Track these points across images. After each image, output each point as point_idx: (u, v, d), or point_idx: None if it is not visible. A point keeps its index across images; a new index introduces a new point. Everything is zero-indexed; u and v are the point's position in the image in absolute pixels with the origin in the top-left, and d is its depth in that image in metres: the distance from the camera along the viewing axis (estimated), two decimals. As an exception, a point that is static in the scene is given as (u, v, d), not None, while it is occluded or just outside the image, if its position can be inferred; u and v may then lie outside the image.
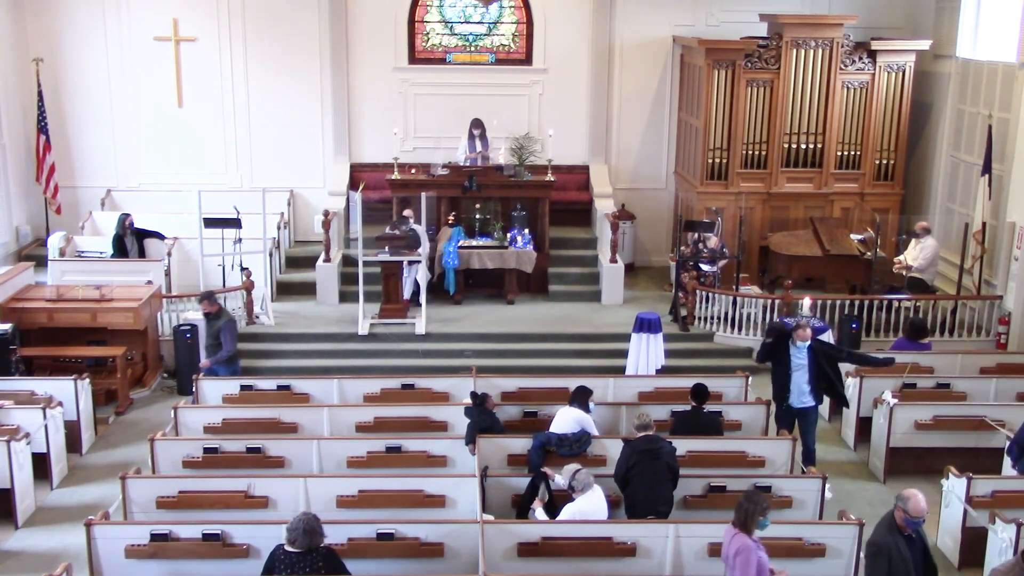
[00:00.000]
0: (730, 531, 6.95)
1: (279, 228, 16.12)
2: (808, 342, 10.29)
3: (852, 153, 15.83)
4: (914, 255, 14.49)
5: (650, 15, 17.02)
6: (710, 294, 14.29)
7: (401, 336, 13.95)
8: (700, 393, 9.86)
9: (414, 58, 17.38)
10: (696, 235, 14.79)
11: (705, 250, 14.70)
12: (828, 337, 12.69)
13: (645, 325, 12.60)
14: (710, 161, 15.72)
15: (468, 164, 15.75)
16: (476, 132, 15.99)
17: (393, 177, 15.32)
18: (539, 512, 8.33)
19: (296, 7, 16.84)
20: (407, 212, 14.67)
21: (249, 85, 17.02)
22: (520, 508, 8.69)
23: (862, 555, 7.40)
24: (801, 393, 10.34)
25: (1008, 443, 9.67)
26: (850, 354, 10.79)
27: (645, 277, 16.83)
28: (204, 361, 11.89)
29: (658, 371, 12.50)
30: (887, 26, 16.81)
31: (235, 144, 17.24)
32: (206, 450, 9.48)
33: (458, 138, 16.26)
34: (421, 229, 14.43)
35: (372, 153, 17.21)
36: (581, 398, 9.67)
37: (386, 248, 14.07)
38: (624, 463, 8.52)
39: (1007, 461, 9.70)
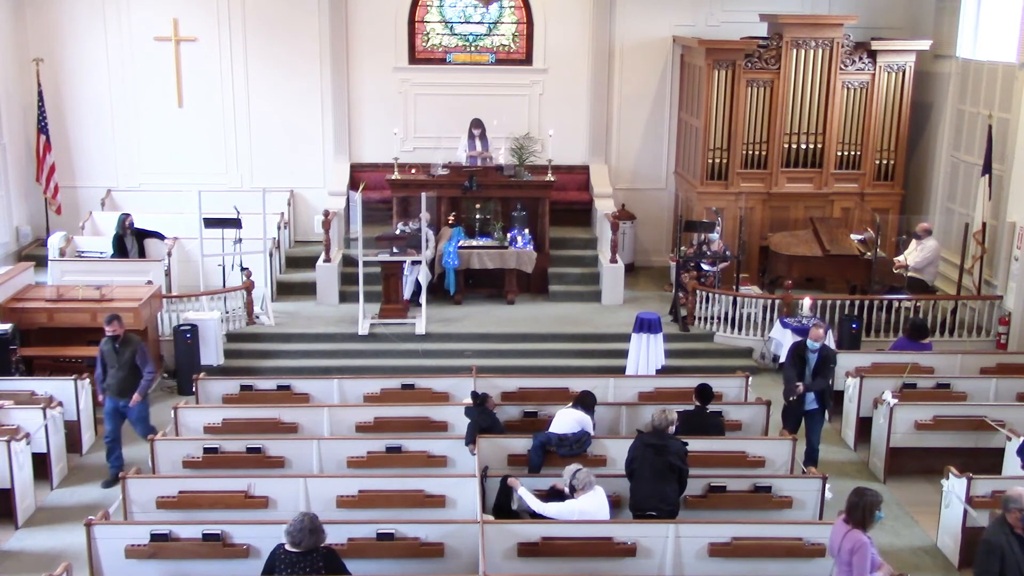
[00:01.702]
0: (841, 528, 7.00)
1: (279, 228, 16.12)
2: (819, 342, 10.33)
3: (852, 153, 15.83)
4: (914, 255, 14.50)
5: (650, 15, 17.02)
6: (710, 294, 14.29)
7: (401, 336, 13.95)
8: (705, 393, 9.87)
9: (414, 58, 17.38)
10: (701, 236, 14.79)
11: (708, 252, 14.70)
12: (828, 337, 12.69)
13: (645, 325, 12.62)
14: (710, 161, 15.72)
15: (468, 164, 15.75)
16: (476, 132, 15.99)
17: (393, 177, 15.32)
18: (523, 493, 8.28)
19: (296, 7, 16.85)
20: (424, 214, 14.62)
21: (249, 85, 17.03)
22: (496, 510, 8.65)
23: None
24: (807, 396, 10.43)
25: (1020, 444, 9.66)
26: (826, 380, 10.57)
27: (645, 277, 16.83)
28: (136, 396, 10.33)
29: (658, 371, 12.50)
30: (887, 26, 16.82)
31: (235, 144, 17.24)
32: (206, 450, 9.48)
33: (458, 138, 16.25)
34: (429, 233, 14.43)
35: (372, 153, 17.22)
36: (584, 401, 9.67)
37: (387, 248, 14.07)
38: (630, 453, 8.54)
39: (1016, 462, 9.69)
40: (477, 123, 16.00)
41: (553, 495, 8.48)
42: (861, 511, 6.89)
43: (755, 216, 15.84)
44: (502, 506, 8.59)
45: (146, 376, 10.38)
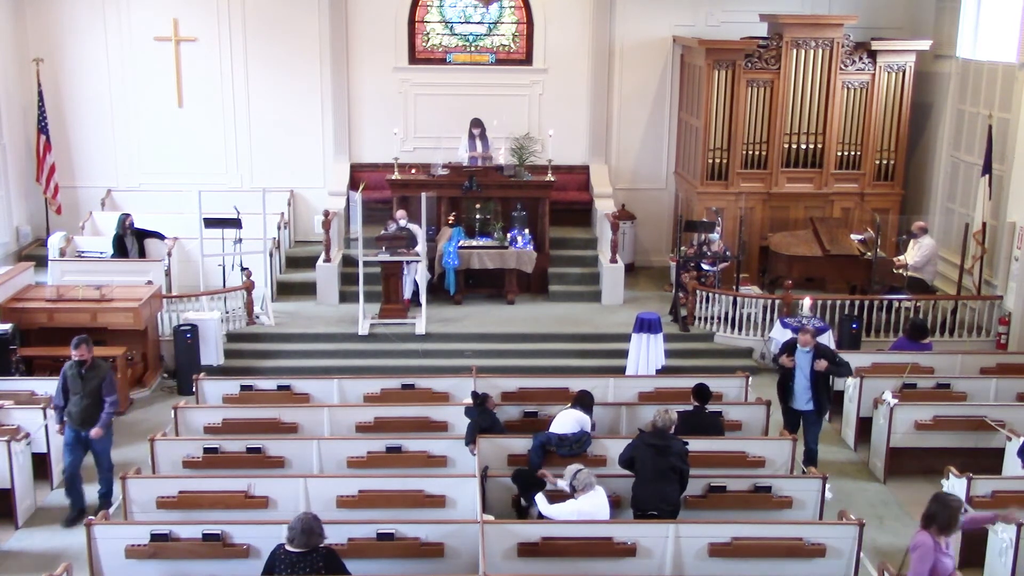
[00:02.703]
0: (918, 528, 6.98)
1: (279, 228, 16.12)
2: (808, 348, 10.35)
3: (852, 153, 15.83)
4: (912, 254, 14.53)
5: (650, 15, 17.02)
6: (710, 294, 14.29)
7: (401, 336, 13.95)
8: (702, 393, 9.88)
9: (414, 58, 17.38)
10: (701, 236, 14.79)
11: (708, 252, 14.70)
12: (828, 337, 12.71)
13: (645, 325, 12.61)
14: (710, 161, 15.71)
15: (469, 164, 15.74)
16: (476, 132, 15.97)
17: (393, 177, 15.32)
18: (540, 500, 8.30)
19: (296, 7, 16.84)
20: (399, 212, 14.66)
21: (249, 85, 17.02)
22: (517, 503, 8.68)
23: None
24: (801, 397, 10.44)
25: (1021, 444, 9.65)
26: (839, 365, 10.58)
27: (645, 277, 16.83)
28: (97, 429, 9.49)
29: (658, 371, 12.50)
30: (887, 26, 16.82)
31: (235, 144, 17.24)
32: (206, 450, 9.48)
33: (458, 138, 16.23)
34: (417, 228, 14.44)
35: (372, 153, 17.21)
36: (583, 401, 9.67)
37: (385, 248, 14.07)
38: (629, 451, 8.56)
39: (1016, 463, 9.68)
40: (477, 123, 15.99)
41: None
42: (947, 518, 6.78)
43: (755, 216, 15.83)
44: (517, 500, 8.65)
45: (107, 408, 9.56)
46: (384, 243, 14.11)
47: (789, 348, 10.62)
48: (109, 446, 9.82)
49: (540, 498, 8.33)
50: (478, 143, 15.97)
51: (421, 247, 14.28)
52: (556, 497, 8.35)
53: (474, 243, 15.15)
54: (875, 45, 15.53)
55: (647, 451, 8.39)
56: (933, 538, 6.80)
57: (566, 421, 9.45)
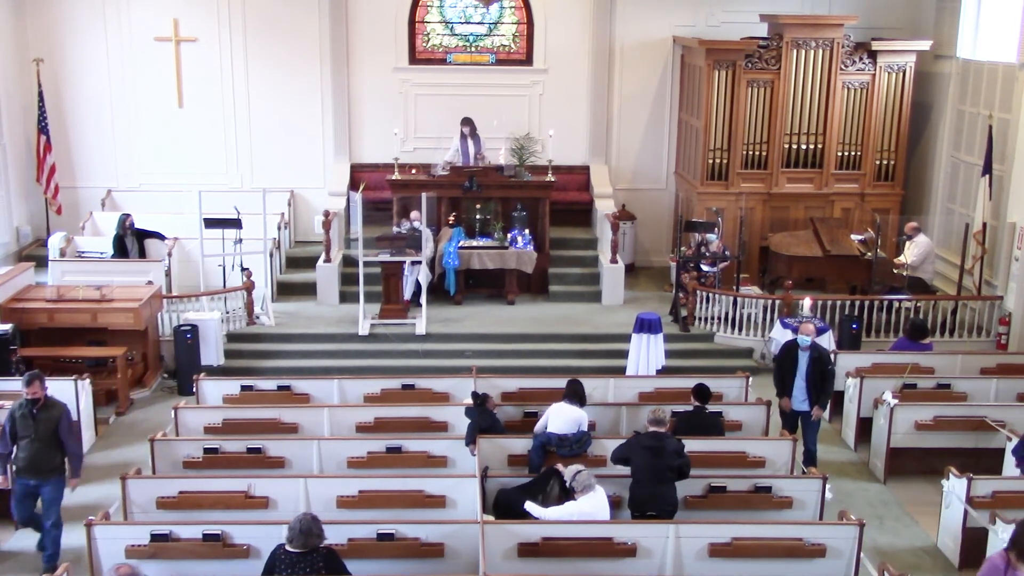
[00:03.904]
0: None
1: (279, 228, 16.12)
2: (810, 337, 10.34)
3: (852, 153, 15.83)
4: (910, 252, 14.55)
5: (650, 15, 17.02)
6: (710, 294, 14.29)
7: (401, 336, 13.95)
8: (702, 393, 9.87)
9: (414, 58, 17.38)
10: (700, 236, 14.79)
11: (707, 252, 14.70)
12: (828, 337, 12.71)
13: (645, 326, 12.60)
14: (710, 161, 15.72)
15: (463, 164, 15.69)
16: (466, 130, 15.91)
17: (393, 177, 15.32)
18: (531, 507, 8.28)
19: (296, 7, 16.84)
20: (413, 214, 14.65)
21: (249, 85, 17.02)
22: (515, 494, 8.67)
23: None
24: (797, 396, 10.47)
25: (1016, 444, 9.66)
26: (828, 375, 10.60)
27: (645, 277, 16.83)
28: (73, 480, 8.85)
29: (658, 371, 12.50)
30: (887, 26, 16.82)
31: (235, 144, 17.24)
32: (206, 450, 9.48)
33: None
34: (427, 232, 14.43)
35: (372, 153, 17.21)
36: (578, 393, 9.61)
37: (387, 248, 14.08)
38: (623, 450, 8.57)
39: (1011, 461, 9.69)
40: (467, 121, 15.86)
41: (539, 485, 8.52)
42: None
43: (755, 216, 15.84)
44: (503, 508, 8.62)
45: (76, 454, 8.81)
46: (384, 243, 14.11)
47: (789, 352, 10.59)
48: (61, 496, 8.86)
49: (531, 506, 8.31)
50: (470, 142, 15.93)
51: (428, 250, 14.28)
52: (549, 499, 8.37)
53: (474, 243, 15.15)
54: (875, 45, 15.53)
55: (643, 453, 8.39)
56: (1007, 561, 6.56)
57: (564, 420, 9.42)
